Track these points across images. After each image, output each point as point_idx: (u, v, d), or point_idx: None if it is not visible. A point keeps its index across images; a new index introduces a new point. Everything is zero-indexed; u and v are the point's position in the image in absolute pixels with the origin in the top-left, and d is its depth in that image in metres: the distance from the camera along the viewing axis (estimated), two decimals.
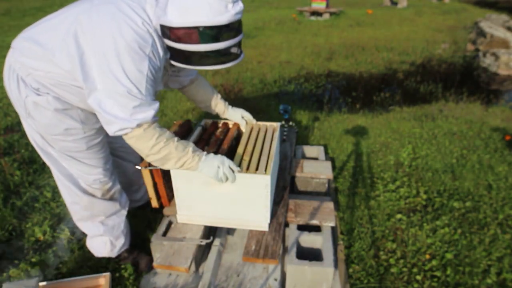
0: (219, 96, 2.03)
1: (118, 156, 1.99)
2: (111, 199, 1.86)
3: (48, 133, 1.57)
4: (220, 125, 2.15)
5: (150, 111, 1.39)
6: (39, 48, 1.39)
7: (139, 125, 1.38)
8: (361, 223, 2.35)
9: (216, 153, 1.77)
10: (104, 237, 1.88)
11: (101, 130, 1.69)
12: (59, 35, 1.36)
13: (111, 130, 1.40)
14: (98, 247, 1.91)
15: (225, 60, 1.45)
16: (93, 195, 1.78)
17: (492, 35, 6.90)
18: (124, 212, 1.93)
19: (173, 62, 1.49)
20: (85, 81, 1.35)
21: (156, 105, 1.43)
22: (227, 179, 1.61)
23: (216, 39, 1.35)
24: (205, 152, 1.62)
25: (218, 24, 1.32)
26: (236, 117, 2.09)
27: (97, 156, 1.71)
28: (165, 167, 1.57)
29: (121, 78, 1.31)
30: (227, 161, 1.61)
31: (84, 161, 1.68)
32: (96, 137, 1.67)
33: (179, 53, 1.43)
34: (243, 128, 2.13)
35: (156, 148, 1.45)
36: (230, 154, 2.18)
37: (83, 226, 1.88)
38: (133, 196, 2.19)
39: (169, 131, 1.52)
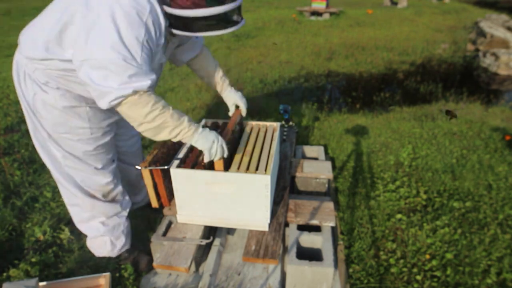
0: (220, 74, 1.96)
1: (120, 160, 1.99)
2: (113, 200, 1.86)
3: (55, 132, 1.57)
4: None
5: (146, 81, 1.32)
6: (39, 33, 1.39)
7: (134, 92, 1.31)
8: (361, 223, 2.35)
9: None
10: (105, 237, 1.88)
11: (108, 131, 1.68)
12: (56, 15, 1.35)
13: (106, 101, 1.31)
14: (98, 247, 1.92)
15: (225, 26, 1.39)
16: (94, 197, 1.78)
17: (492, 35, 6.90)
18: (125, 213, 1.93)
19: (173, 30, 1.44)
20: (77, 50, 1.29)
21: (153, 76, 1.35)
22: (218, 156, 1.58)
23: (217, 2, 1.31)
24: (201, 124, 1.57)
25: None
26: (229, 102, 2.02)
27: (103, 157, 1.71)
28: (158, 137, 1.47)
29: (116, 45, 1.25)
30: (221, 139, 1.59)
31: (89, 162, 1.68)
32: (103, 138, 1.67)
33: (178, 20, 1.38)
34: (231, 111, 2.04)
35: (151, 116, 1.37)
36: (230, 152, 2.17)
37: (83, 227, 1.88)
38: (134, 198, 2.19)
39: (164, 100, 1.43)
